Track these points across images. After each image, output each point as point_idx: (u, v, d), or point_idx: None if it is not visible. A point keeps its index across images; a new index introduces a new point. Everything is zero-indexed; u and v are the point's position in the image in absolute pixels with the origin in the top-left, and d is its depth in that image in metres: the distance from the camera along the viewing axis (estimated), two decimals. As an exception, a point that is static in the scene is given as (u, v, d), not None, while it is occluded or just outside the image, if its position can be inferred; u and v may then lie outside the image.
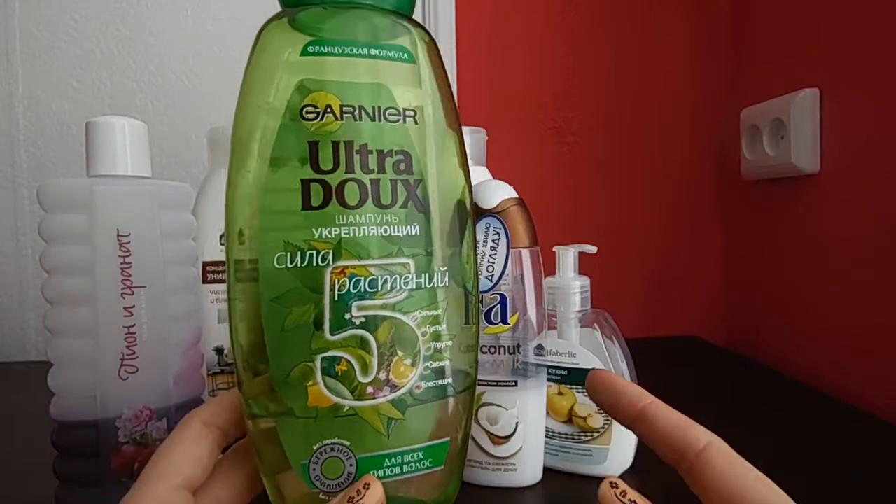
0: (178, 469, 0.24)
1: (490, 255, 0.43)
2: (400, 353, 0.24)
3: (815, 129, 0.69)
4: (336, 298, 0.24)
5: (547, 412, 0.45)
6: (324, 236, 0.24)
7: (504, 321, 0.43)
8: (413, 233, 0.25)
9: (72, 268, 0.37)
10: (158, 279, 0.38)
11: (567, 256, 0.47)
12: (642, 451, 0.46)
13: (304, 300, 0.23)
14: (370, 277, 0.24)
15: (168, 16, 0.87)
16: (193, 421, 0.25)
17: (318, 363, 0.23)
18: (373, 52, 0.25)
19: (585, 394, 0.45)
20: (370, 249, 0.24)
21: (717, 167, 0.93)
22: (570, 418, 0.46)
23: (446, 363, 0.25)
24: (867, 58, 0.62)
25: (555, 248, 0.47)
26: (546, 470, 0.45)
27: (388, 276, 0.24)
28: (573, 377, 0.45)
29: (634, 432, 0.25)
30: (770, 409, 0.61)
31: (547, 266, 0.45)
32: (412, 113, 0.25)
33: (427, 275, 0.25)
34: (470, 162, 0.52)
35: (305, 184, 0.24)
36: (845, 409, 0.60)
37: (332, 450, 0.24)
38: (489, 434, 0.44)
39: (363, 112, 0.24)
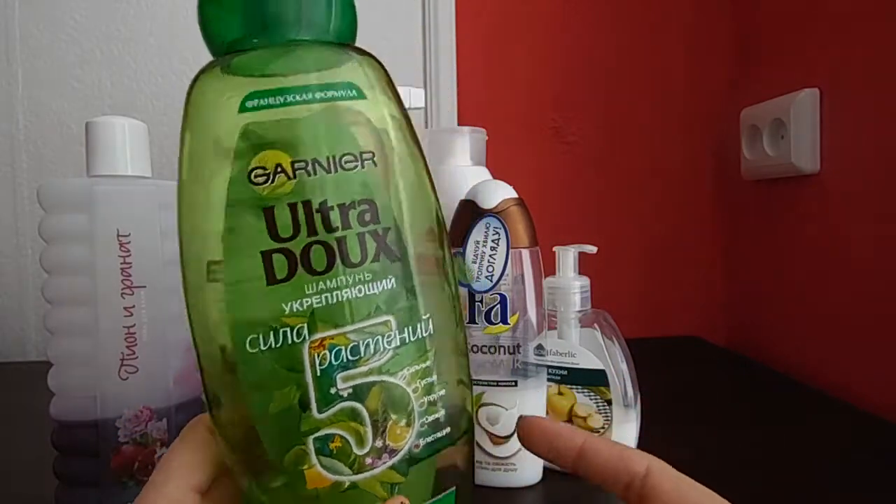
0: (189, 471, 0.23)
1: (490, 255, 0.43)
2: (394, 417, 0.23)
3: (815, 129, 0.69)
4: (319, 374, 0.22)
5: (547, 412, 0.45)
6: (295, 310, 0.21)
7: (504, 321, 0.43)
8: (389, 286, 0.23)
9: (72, 268, 0.37)
10: (158, 279, 0.38)
11: (567, 256, 0.47)
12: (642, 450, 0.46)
13: (285, 382, 0.22)
14: (351, 345, 0.22)
15: (168, 16, 0.87)
16: (200, 426, 0.25)
17: (310, 444, 0.22)
18: (319, 95, 0.22)
19: (585, 394, 0.45)
20: (347, 315, 0.22)
21: (717, 167, 0.93)
22: (570, 418, 0.46)
23: (441, 413, 0.24)
24: (867, 58, 0.62)
25: (555, 248, 0.47)
26: (546, 470, 0.45)
27: (370, 339, 0.22)
28: (573, 377, 0.45)
29: (577, 473, 0.25)
30: (770, 409, 0.61)
31: (547, 266, 0.45)
32: (370, 155, 0.23)
33: (410, 328, 0.23)
34: (470, 162, 0.52)
35: (267, 256, 0.21)
36: (845, 409, 0.60)
37: None
38: (489, 434, 0.44)
39: (317, 165, 0.22)
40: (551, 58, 0.91)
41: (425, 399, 0.23)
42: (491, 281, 0.43)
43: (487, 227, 0.43)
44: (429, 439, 0.24)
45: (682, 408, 0.61)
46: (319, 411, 0.22)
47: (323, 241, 0.22)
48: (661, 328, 0.92)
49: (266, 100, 0.22)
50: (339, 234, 0.22)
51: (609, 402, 0.45)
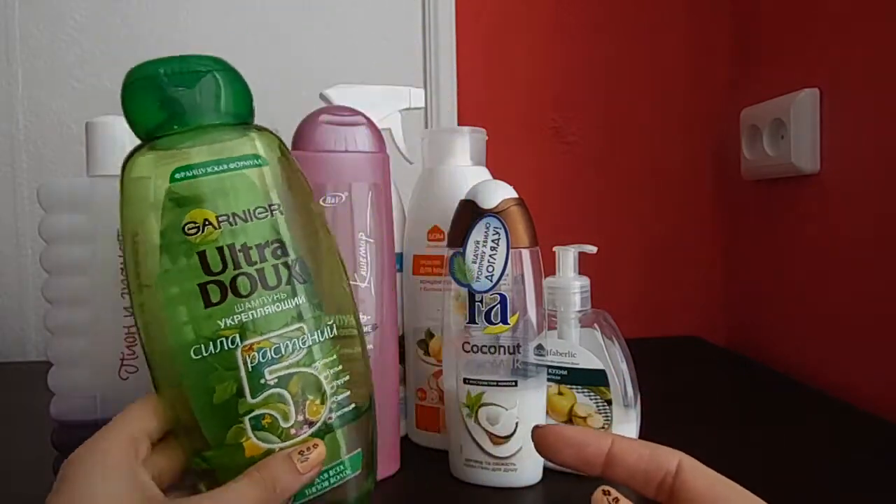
0: (145, 417, 0.28)
1: (490, 255, 0.43)
2: (310, 397, 0.30)
3: (815, 129, 0.69)
4: (250, 370, 0.29)
5: (547, 412, 0.45)
6: (228, 324, 0.29)
7: (504, 321, 0.43)
8: (299, 302, 0.30)
9: (72, 268, 0.37)
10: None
11: (567, 256, 0.47)
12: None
13: (224, 378, 0.28)
14: (274, 346, 0.29)
15: (168, 15, 0.87)
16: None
17: (247, 423, 0.29)
18: (232, 165, 0.30)
19: (585, 394, 0.45)
20: (269, 325, 0.29)
21: (717, 167, 0.93)
22: (570, 418, 0.46)
23: (347, 393, 0.31)
24: (867, 58, 0.62)
25: (555, 248, 0.47)
26: (546, 470, 0.45)
27: (289, 342, 0.30)
28: (573, 377, 0.45)
29: (605, 476, 0.25)
30: (770, 409, 0.61)
31: (547, 266, 0.45)
32: (276, 206, 0.30)
33: (318, 331, 0.31)
34: (470, 162, 0.52)
35: (203, 287, 0.29)
36: (845, 409, 0.60)
37: None
38: (489, 434, 0.44)
39: (236, 217, 0.29)
40: (551, 58, 0.91)
41: (335, 383, 0.31)
42: (491, 281, 0.43)
43: (487, 227, 0.43)
44: (339, 413, 0.31)
45: (682, 408, 0.61)
46: (253, 397, 0.29)
47: (246, 272, 0.29)
48: (661, 328, 0.92)
49: (191, 172, 0.29)
50: (258, 266, 0.29)
51: (609, 402, 0.45)
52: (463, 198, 0.45)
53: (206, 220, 0.29)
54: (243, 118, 0.32)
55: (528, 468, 0.44)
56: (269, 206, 0.30)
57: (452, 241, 0.45)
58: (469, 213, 0.44)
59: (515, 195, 0.44)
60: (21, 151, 0.86)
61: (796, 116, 0.70)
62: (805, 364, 0.72)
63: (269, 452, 0.29)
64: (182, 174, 0.29)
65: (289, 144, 0.45)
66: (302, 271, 0.31)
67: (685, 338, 0.91)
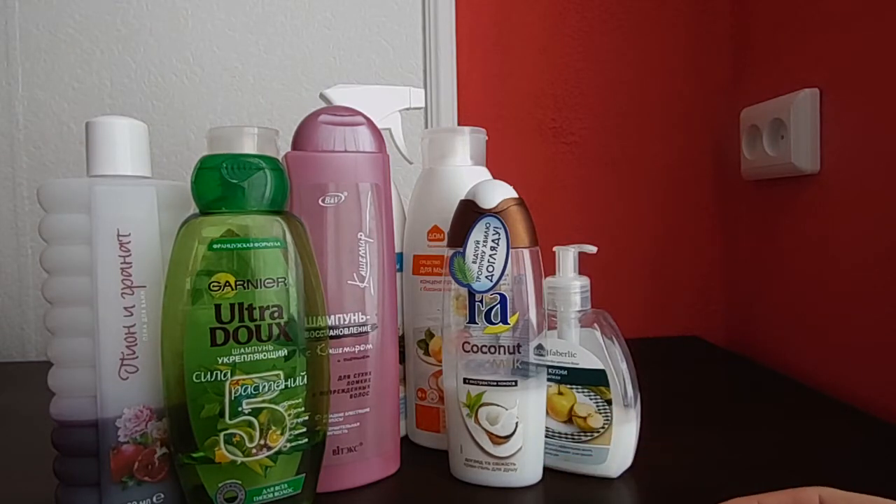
0: None
1: (490, 255, 0.43)
2: (273, 428, 0.38)
3: (815, 129, 0.69)
4: (233, 399, 0.36)
5: (547, 412, 0.45)
6: (224, 362, 0.36)
7: (504, 321, 0.43)
8: (282, 355, 0.38)
9: (72, 268, 0.37)
10: (158, 279, 0.38)
11: (567, 256, 0.47)
12: (642, 451, 0.46)
13: (213, 400, 0.36)
14: (255, 384, 0.37)
15: (168, 16, 0.87)
16: None
17: (221, 437, 0.36)
18: (258, 244, 0.37)
19: (585, 393, 0.45)
20: (254, 368, 0.37)
21: (717, 167, 0.93)
22: (570, 418, 0.46)
23: (303, 430, 0.39)
24: (867, 58, 0.62)
25: (555, 248, 0.47)
26: (546, 470, 0.45)
27: (266, 383, 0.37)
28: (573, 377, 0.45)
29: None
30: (770, 409, 0.61)
31: (547, 266, 0.45)
32: (283, 279, 0.38)
33: (291, 379, 0.38)
34: (470, 162, 0.52)
35: (213, 330, 0.36)
36: (845, 409, 0.60)
37: (231, 486, 0.37)
38: (489, 434, 0.44)
39: (250, 283, 0.37)
40: (551, 58, 0.91)
41: (295, 420, 0.38)
42: (491, 281, 0.43)
43: (487, 227, 0.43)
44: (293, 443, 0.39)
45: (682, 408, 0.61)
46: (230, 419, 0.37)
47: (247, 325, 0.37)
48: (661, 328, 0.92)
49: (225, 245, 0.37)
50: (257, 322, 0.37)
51: (609, 402, 0.45)
52: (463, 198, 0.45)
53: (227, 281, 0.36)
54: (278, 206, 0.39)
55: (528, 468, 0.44)
56: (278, 278, 0.37)
57: (452, 241, 0.45)
58: (469, 213, 0.44)
59: (515, 195, 0.44)
60: (21, 151, 0.86)
61: (796, 116, 0.70)
62: (805, 364, 0.72)
63: (233, 462, 0.37)
64: (218, 245, 0.36)
65: (289, 145, 0.45)
66: (291, 331, 0.38)
67: (685, 338, 0.91)
